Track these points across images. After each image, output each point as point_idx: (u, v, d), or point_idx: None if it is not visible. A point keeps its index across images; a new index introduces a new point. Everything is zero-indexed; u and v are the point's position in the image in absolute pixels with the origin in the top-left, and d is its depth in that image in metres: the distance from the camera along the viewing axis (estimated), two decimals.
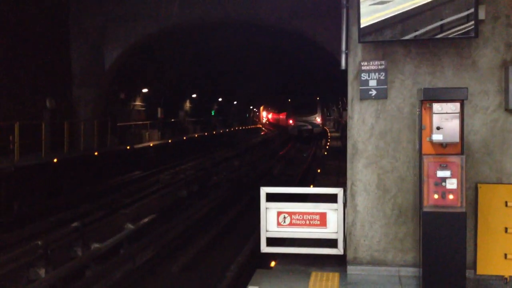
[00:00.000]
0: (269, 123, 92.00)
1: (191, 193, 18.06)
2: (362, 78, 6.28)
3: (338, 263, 6.52)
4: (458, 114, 5.29)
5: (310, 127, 45.80)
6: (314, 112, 46.49)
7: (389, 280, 6.08)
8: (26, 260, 9.36)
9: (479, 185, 5.94)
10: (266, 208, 6.40)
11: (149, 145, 26.63)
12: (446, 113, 5.28)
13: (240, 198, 17.17)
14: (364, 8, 5.98)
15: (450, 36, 5.85)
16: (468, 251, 5.77)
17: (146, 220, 12.62)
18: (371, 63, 6.27)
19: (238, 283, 9.04)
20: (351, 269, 6.30)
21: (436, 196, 5.34)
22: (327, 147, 33.09)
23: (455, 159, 5.34)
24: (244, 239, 11.99)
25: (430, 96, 5.36)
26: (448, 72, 6.13)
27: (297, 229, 6.40)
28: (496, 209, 5.89)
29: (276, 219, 6.41)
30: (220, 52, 32.00)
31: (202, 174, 21.73)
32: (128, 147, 23.82)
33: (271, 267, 6.97)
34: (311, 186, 14.29)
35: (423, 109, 5.42)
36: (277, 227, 6.41)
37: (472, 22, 5.75)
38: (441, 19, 5.83)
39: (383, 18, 5.98)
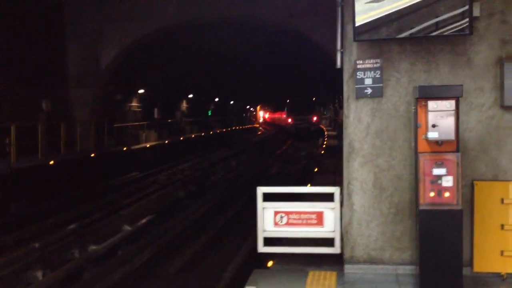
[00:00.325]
0: (266, 123, 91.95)
1: (189, 193, 18.03)
2: (358, 77, 6.27)
3: (336, 262, 6.51)
4: (453, 112, 5.29)
5: (307, 125, 49.95)
6: (310, 112, 51.23)
7: (386, 278, 6.08)
8: (23, 263, 9.33)
9: (475, 182, 5.95)
10: (263, 208, 6.39)
11: (146, 146, 26.60)
12: (442, 110, 5.27)
13: (238, 198, 17.16)
14: (359, 6, 5.97)
15: (445, 33, 5.85)
16: (465, 248, 5.76)
17: (143, 221, 12.61)
18: (367, 61, 6.26)
19: (236, 283, 9.03)
20: (348, 268, 6.30)
21: (432, 194, 5.34)
22: (324, 145, 33.08)
23: (451, 157, 5.33)
24: (242, 239, 11.99)
25: (425, 94, 5.35)
26: (444, 70, 6.12)
27: (294, 228, 6.39)
28: (492, 206, 5.90)
29: (273, 218, 6.40)
30: (217, 52, 31.96)
31: (200, 174, 21.72)
32: (125, 148, 23.78)
33: (269, 267, 6.96)
34: (309, 185, 14.27)
35: (418, 107, 5.42)
36: (274, 226, 6.40)
37: (467, 19, 5.75)
38: (436, 17, 5.83)
39: (378, 16, 5.97)
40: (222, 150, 35.30)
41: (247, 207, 15.18)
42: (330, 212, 6.32)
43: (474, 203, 5.94)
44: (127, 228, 11.82)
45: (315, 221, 6.34)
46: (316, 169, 19.78)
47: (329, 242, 6.35)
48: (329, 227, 6.32)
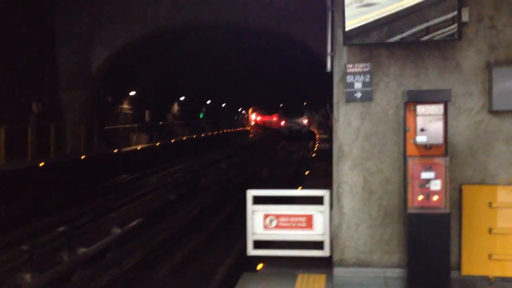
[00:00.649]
0: (258, 125, 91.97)
1: (179, 196, 18.00)
2: (348, 81, 6.30)
3: (325, 265, 6.52)
4: (441, 116, 5.33)
5: (298, 127, 53.64)
6: (302, 115, 54.57)
7: (375, 281, 6.10)
8: (11, 265, 9.27)
9: (463, 186, 5.98)
10: (253, 211, 6.39)
11: (137, 148, 26.53)
12: (430, 115, 5.31)
13: (229, 200, 17.14)
14: (350, 10, 5.99)
15: (435, 38, 5.90)
16: (453, 251, 5.81)
17: (133, 224, 12.56)
18: (356, 65, 6.29)
19: (226, 286, 9.02)
20: (337, 271, 6.31)
21: (420, 198, 5.37)
22: (315, 149, 33.14)
23: (439, 161, 5.37)
24: (232, 242, 11.98)
25: (414, 98, 5.39)
26: (433, 74, 6.16)
27: (284, 231, 6.39)
28: (480, 210, 5.93)
29: (263, 221, 6.40)
30: (208, 55, 31.98)
31: (191, 177, 21.68)
32: (115, 151, 23.70)
33: (258, 270, 6.96)
34: (299, 188, 14.29)
35: (407, 111, 5.45)
36: (264, 229, 6.39)
37: (456, 25, 5.79)
38: (426, 22, 5.86)
39: (369, 20, 5.99)
40: (214, 153, 35.27)
41: (239, 209, 15.18)
42: (319, 215, 6.33)
43: (462, 206, 5.98)
44: (117, 230, 11.76)
45: (304, 224, 6.35)
46: (307, 172, 19.81)
47: (318, 245, 6.37)
48: (319, 230, 6.33)
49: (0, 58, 17.64)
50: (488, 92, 6.03)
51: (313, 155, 28.78)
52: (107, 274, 9.65)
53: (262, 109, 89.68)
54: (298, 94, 57.37)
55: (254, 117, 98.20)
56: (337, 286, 6.03)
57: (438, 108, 5.32)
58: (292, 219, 6.36)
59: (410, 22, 5.91)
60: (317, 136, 47.46)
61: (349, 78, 6.28)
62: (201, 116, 50.67)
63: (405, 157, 5.51)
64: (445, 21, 5.82)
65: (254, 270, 7.11)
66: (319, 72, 7.12)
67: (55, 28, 21.06)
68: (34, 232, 12.37)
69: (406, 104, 5.45)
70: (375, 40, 6.04)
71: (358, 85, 6.27)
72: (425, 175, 5.35)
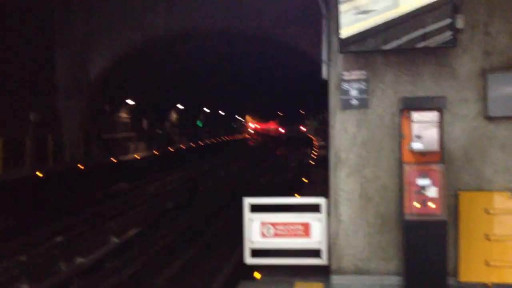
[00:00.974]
0: (257, 133, 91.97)
1: (178, 204, 17.96)
2: (343, 88, 6.30)
3: (322, 273, 6.49)
4: (437, 123, 5.33)
5: (296, 134, 64.04)
6: (299, 123, 66.73)
7: None
8: (9, 275, 9.24)
9: (459, 192, 5.98)
10: (250, 219, 6.39)
11: (135, 157, 26.51)
12: (425, 122, 5.33)
13: (227, 208, 17.11)
14: (346, 17, 6.00)
15: (431, 45, 5.91)
16: (450, 258, 5.80)
17: (131, 233, 12.54)
18: (352, 72, 6.30)
19: None
20: (335, 279, 6.29)
21: (417, 205, 5.37)
22: (313, 155, 33.15)
23: (435, 167, 5.38)
24: (231, 250, 11.95)
25: (410, 105, 5.40)
26: (428, 81, 6.17)
27: (281, 239, 6.38)
28: (476, 216, 5.93)
29: (260, 230, 6.39)
30: (205, 63, 32.03)
31: (189, 185, 21.65)
32: (114, 159, 23.69)
33: (256, 279, 6.94)
34: (296, 195, 14.27)
35: (403, 118, 5.46)
36: (261, 238, 6.39)
37: (451, 32, 5.81)
38: (422, 29, 5.88)
39: (364, 28, 6.01)
40: (213, 160, 35.26)
41: (237, 217, 15.15)
42: (317, 223, 6.32)
43: (459, 213, 5.97)
44: (115, 240, 11.74)
45: (302, 232, 6.35)
46: (306, 180, 19.81)
47: (316, 253, 6.35)
48: (316, 238, 6.33)
49: None
50: (484, 98, 6.04)
51: (312, 162, 28.79)
52: (105, 284, 9.60)
53: (259, 117, 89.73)
54: (295, 101, 58.15)
55: (252, 124, 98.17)
56: None
57: (434, 115, 5.34)
58: (289, 227, 6.36)
59: (406, 29, 5.92)
60: (315, 142, 47.56)
61: (345, 86, 6.29)
62: (198, 124, 50.68)
63: (401, 164, 5.52)
64: (440, 28, 5.83)
65: (252, 278, 7.09)
66: (316, 79, 7.12)
67: (53, 37, 21.10)
68: (32, 241, 12.33)
69: (401, 111, 5.47)
70: (371, 48, 6.05)
71: (354, 93, 6.28)
72: (421, 181, 5.36)
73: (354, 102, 6.29)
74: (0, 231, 13.68)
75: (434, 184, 5.34)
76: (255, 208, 6.42)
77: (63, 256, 10.66)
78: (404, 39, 5.93)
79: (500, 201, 5.93)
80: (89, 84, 21.96)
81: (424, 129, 5.32)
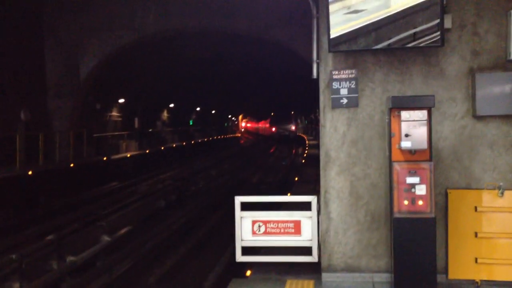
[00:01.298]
0: (248, 132, 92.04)
1: (169, 203, 17.96)
2: (333, 87, 6.36)
3: (313, 270, 6.55)
4: (426, 121, 5.39)
5: (287, 133, 65.38)
6: (289, 123, 67.93)
7: (363, 286, 6.14)
8: (0, 274, 9.20)
9: (448, 190, 6.05)
10: (241, 217, 6.42)
11: (126, 156, 26.45)
12: (414, 120, 5.38)
13: (219, 206, 17.13)
14: (336, 17, 6.05)
15: (420, 45, 5.97)
16: (440, 256, 5.87)
17: (123, 231, 12.51)
18: (342, 72, 6.35)
19: None
20: (325, 276, 6.34)
21: (406, 202, 5.43)
22: (305, 155, 33.23)
23: (424, 166, 5.43)
24: (222, 248, 11.98)
25: (398, 104, 5.45)
26: (417, 80, 6.24)
27: (272, 237, 6.42)
28: (465, 214, 6.00)
29: (251, 228, 6.43)
30: (198, 62, 31.96)
31: (180, 184, 21.63)
32: (104, 158, 23.62)
33: (247, 276, 6.98)
34: (288, 194, 14.33)
35: (392, 117, 5.51)
36: (252, 236, 6.43)
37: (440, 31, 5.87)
38: (411, 29, 5.94)
39: (355, 27, 6.06)
40: (204, 159, 35.23)
41: (228, 215, 15.19)
42: (307, 220, 6.37)
43: (448, 211, 6.04)
44: (106, 238, 11.70)
45: (292, 230, 6.39)
46: (296, 178, 19.87)
47: (306, 250, 6.40)
48: (307, 235, 6.38)
49: None
50: (472, 97, 6.11)
51: (303, 161, 28.87)
52: (96, 283, 9.60)
53: (251, 116, 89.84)
54: (286, 100, 58.45)
55: (244, 124, 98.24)
56: None
57: (423, 114, 5.39)
58: (280, 225, 6.40)
59: (396, 29, 5.98)
60: (306, 142, 47.71)
61: (335, 85, 6.34)
62: (191, 123, 50.61)
63: (390, 162, 5.57)
64: (430, 28, 5.90)
65: (243, 276, 7.13)
66: (307, 78, 7.17)
67: (44, 36, 21.00)
68: (23, 240, 12.28)
69: (390, 110, 5.52)
70: (361, 47, 6.11)
71: (344, 91, 6.34)
72: (410, 180, 5.41)
73: (344, 101, 6.34)
74: None
75: (423, 182, 5.40)
76: (247, 207, 6.45)
77: (55, 255, 10.62)
78: (394, 38, 6.00)
79: (488, 199, 6.01)
80: (80, 83, 21.86)
81: (413, 128, 5.37)
